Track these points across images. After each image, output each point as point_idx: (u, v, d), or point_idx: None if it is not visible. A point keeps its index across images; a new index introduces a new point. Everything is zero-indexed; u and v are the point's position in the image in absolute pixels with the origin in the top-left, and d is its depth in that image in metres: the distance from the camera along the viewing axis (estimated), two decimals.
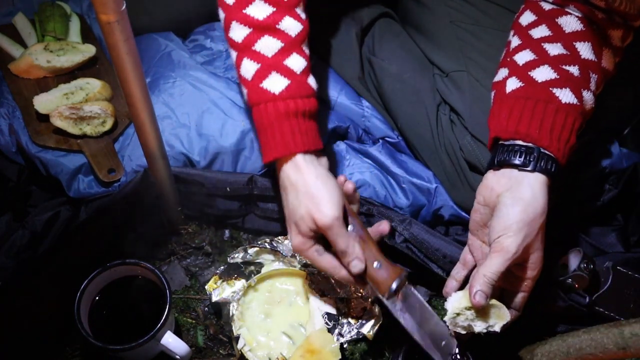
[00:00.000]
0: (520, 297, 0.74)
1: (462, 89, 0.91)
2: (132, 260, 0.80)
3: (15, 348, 0.80)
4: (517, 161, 0.71)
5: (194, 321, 0.89)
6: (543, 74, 0.74)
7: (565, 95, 0.73)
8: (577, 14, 0.76)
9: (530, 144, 0.71)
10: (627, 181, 0.94)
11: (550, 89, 0.73)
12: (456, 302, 0.72)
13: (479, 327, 0.71)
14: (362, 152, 0.96)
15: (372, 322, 0.82)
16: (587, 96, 0.74)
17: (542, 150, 0.70)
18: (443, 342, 0.75)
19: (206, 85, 0.93)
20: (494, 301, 0.71)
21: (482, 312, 0.70)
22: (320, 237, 0.75)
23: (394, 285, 0.72)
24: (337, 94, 0.99)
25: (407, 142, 0.99)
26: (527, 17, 0.80)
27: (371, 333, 0.81)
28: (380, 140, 0.98)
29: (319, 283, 0.84)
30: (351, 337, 0.81)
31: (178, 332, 0.85)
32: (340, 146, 0.96)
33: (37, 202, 0.91)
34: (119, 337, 0.76)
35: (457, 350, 0.75)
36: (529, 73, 0.75)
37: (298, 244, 0.75)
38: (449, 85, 0.92)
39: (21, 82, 0.96)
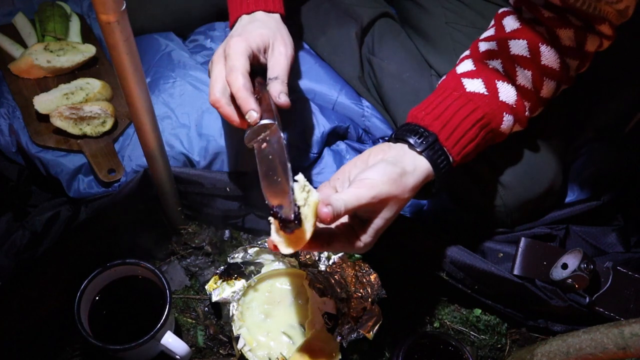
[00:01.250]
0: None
1: None
2: (132, 260, 0.80)
3: (15, 348, 0.80)
4: (411, 140, 0.72)
5: (194, 321, 0.89)
6: (463, 67, 0.78)
7: (473, 85, 0.75)
8: (527, 15, 0.78)
9: (428, 131, 0.72)
10: (627, 181, 0.94)
11: (462, 79, 0.76)
12: (313, 197, 0.61)
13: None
14: (362, 152, 0.96)
15: (372, 322, 0.82)
16: (503, 88, 0.76)
17: (438, 141, 0.71)
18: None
19: (206, 85, 0.93)
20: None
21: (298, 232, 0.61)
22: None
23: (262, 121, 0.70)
24: (337, 94, 0.99)
25: None
26: (490, 27, 0.83)
27: (371, 333, 0.81)
28: (380, 140, 0.98)
29: (319, 283, 0.84)
30: (351, 337, 0.80)
31: (178, 332, 0.85)
32: (340, 146, 0.96)
33: (37, 202, 0.91)
34: (119, 337, 0.76)
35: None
36: (455, 68, 0.79)
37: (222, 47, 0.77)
38: None
39: (21, 82, 0.96)
